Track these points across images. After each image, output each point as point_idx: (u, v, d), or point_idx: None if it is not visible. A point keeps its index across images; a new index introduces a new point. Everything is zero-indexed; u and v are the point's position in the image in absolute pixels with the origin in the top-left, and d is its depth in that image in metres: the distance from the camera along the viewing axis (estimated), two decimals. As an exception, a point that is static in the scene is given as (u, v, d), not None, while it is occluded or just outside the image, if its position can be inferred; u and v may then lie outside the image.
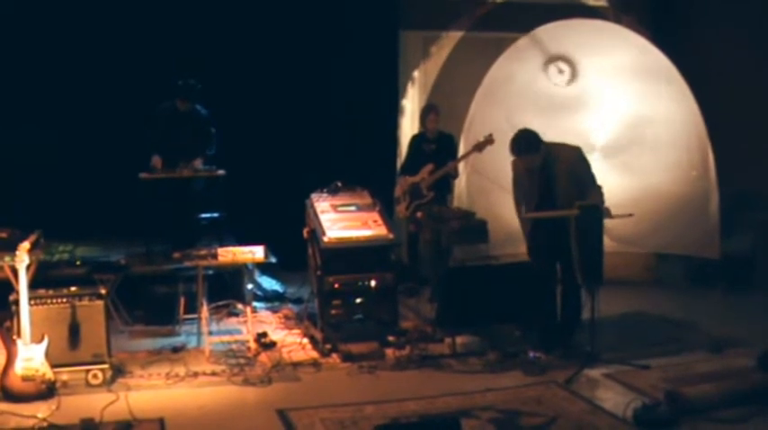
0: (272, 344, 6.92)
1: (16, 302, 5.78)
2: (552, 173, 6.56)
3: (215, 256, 6.81)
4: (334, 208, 7.20)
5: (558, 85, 8.72)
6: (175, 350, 6.81)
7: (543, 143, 6.59)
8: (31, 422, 5.32)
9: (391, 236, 7.04)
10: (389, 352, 6.67)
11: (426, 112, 8.72)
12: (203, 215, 8.14)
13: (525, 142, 6.56)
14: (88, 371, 5.99)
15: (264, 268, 8.27)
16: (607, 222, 6.48)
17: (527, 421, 5.36)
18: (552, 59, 8.74)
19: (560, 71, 8.74)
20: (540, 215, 6.75)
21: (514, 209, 6.92)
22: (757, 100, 8.97)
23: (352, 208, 7.24)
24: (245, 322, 7.13)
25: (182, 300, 7.28)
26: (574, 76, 8.82)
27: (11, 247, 5.97)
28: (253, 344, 6.83)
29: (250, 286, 7.55)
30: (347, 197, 7.35)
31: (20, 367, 5.67)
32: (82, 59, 8.77)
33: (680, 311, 7.90)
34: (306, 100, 9.37)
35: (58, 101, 8.72)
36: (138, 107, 8.34)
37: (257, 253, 6.83)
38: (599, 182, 6.65)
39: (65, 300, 6.05)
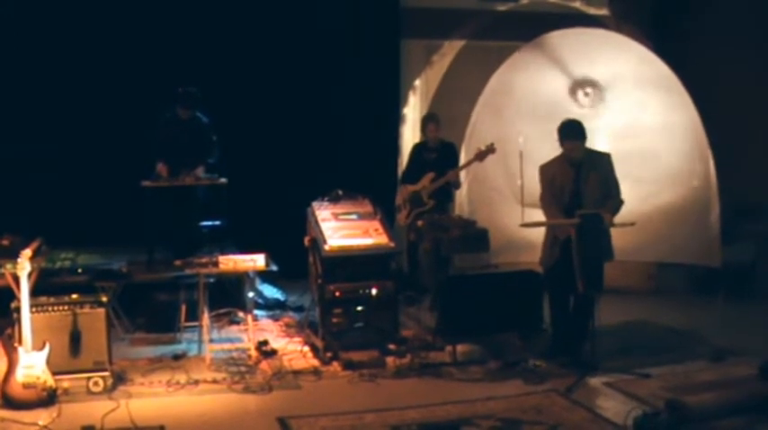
0: (273, 352, 6.93)
1: (18, 310, 5.79)
2: (586, 174, 6.58)
3: (216, 264, 6.82)
4: (336, 216, 7.20)
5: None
6: (176, 358, 6.82)
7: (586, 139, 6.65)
8: (31, 429, 5.32)
9: (392, 244, 7.04)
10: (390, 360, 6.67)
11: (426, 121, 8.71)
12: (205, 223, 8.15)
13: (575, 127, 6.61)
14: (89, 378, 5.99)
15: (265, 276, 8.26)
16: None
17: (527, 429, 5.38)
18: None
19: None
20: (538, 224, 6.75)
21: (545, 215, 6.74)
22: (758, 110, 8.98)
23: (354, 216, 7.25)
24: (246, 330, 7.14)
25: (183, 308, 7.29)
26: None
27: (13, 254, 5.99)
28: (254, 352, 6.83)
29: (251, 294, 7.55)
30: (348, 205, 7.35)
31: (21, 374, 5.67)
32: (84, 68, 8.80)
33: (681, 320, 7.89)
34: (307, 108, 9.39)
35: (61, 108, 8.75)
36: (140, 115, 8.37)
37: (258, 261, 6.84)
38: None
39: (66, 307, 6.05)
